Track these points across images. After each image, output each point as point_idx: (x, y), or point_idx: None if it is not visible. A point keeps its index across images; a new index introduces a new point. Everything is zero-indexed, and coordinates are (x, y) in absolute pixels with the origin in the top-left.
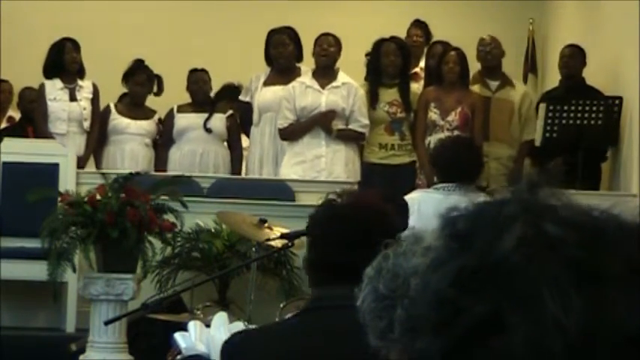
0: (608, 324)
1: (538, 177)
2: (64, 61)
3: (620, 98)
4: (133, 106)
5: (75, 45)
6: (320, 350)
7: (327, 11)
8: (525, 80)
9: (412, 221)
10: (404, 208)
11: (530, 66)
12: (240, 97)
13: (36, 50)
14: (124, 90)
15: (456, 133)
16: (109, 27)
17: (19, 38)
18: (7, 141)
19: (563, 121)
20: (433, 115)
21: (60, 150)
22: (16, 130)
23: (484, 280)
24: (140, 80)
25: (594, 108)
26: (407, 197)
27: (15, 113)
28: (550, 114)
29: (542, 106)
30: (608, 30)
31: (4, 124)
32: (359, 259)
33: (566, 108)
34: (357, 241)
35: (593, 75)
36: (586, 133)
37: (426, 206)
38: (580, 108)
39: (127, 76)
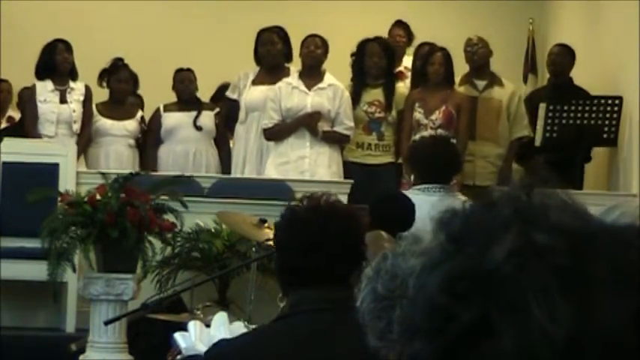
0: (595, 330)
1: (533, 177)
2: (55, 62)
3: (620, 98)
4: (114, 104)
5: (67, 46)
6: (298, 354)
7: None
8: (525, 80)
9: None
10: (411, 208)
11: (530, 66)
12: (228, 94)
13: (36, 50)
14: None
15: (439, 131)
16: (109, 28)
17: (19, 38)
18: (7, 141)
19: (563, 121)
20: (417, 114)
21: (60, 150)
22: (16, 130)
23: (475, 287)
24: (123, 77)
25: (594, 108)
26: None
27: (15, 113)
28: (550, 114)
29: (542, 106)
30: (608, 30)
31: (3, 124)
32: (324, 262)
33: (566, 108)
34: (319, 244)
35: (592, 75)
36: (586, 133)
37: (418, 208)
38: (580, 108)
39: (108, 75)
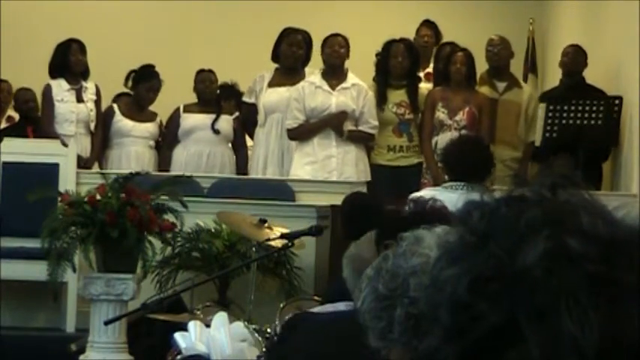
0: (624, 340)
1: (560, 177)
2: (69, 62)
3: (620, 98)
4: (137, 108)
5: (81, 46)
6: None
7: (334, 12)
8: (525, 80)
9: None
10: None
11: (530, 66)
12: (245, 99)
13: (36, 51)
14: (124, 90)
15: (463, 132)
16: (109, 27)
17: (19, 38)
18: (7, 141)
19: (563, 121)
20: (441, 114)
21: (60, 150)
22: (16, 130)
23: (502, 288)
24: (154, 86)
25: (594, 108)
26: (422, 194)
27: (14, 113)
28: (550, 114)
29: (542, 105)
30: (609, 30)
31: (3, 124)
32: None
33: (566, 108)
34: None
35: (593, 75)
36: (586, 133)
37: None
38: (580, 108)
39: (138, 79)
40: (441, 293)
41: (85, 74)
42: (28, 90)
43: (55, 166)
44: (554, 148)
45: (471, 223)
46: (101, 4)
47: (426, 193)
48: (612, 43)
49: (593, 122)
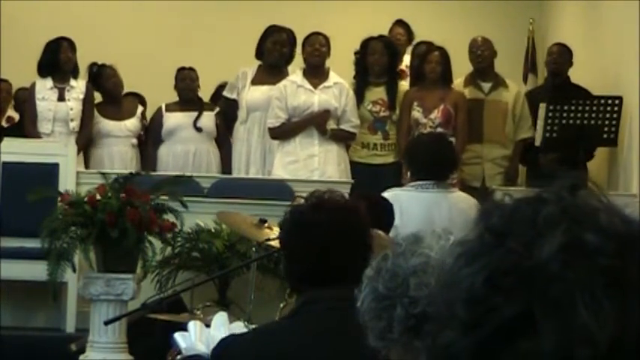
0: (637, 334)
1: (577, 178)
2: (58, 61)
3: (620, 98)
4: (113, 103)
5: (71, 45)
6: (305, 351)
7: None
8: (525, 80)
9: (397, 219)
10: (389, 207)
11: (530, 66)
12: (225, 94)
13: (36, 50)
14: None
15: (438, 130)
16: (110, 27)
17: (19, 38)
18: (7, 141)
19: (563, 121)
20: (416, 113)
21: (60, 150)
22: (16, 130)
23: (519, 282)
24: (109, 75)
25: (594, 108)
26: (386, 195)
27: (14, 113)
28: (550, 114)
29: (542, 106)
30: (608, 30)
31: (3, 124)
32: (335, 262)
33: (566, 108)
34: (328, 245)
35: (592, 74)
36: (586, 133)
37: (408, 205)
38: (580, 108)
39: (95, 81)
40: (457, 289)
41: (74, 73)
42: (28, 90)
43: (55, 166)
44: (554, 147)
45: (490, 222)
46: (102, 4)
47: (395, 192)
48: (612, 42)
49: (593, 122)
